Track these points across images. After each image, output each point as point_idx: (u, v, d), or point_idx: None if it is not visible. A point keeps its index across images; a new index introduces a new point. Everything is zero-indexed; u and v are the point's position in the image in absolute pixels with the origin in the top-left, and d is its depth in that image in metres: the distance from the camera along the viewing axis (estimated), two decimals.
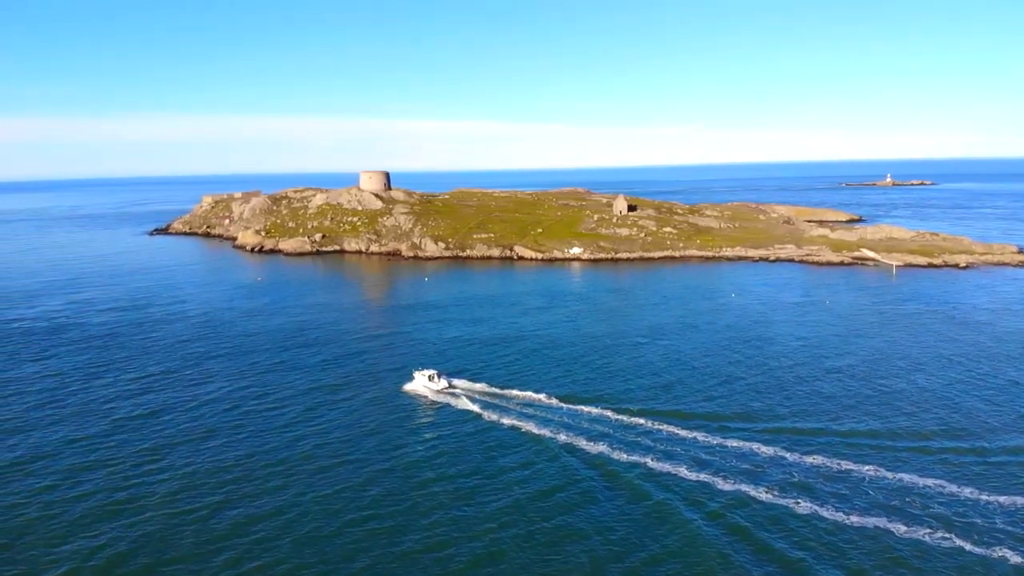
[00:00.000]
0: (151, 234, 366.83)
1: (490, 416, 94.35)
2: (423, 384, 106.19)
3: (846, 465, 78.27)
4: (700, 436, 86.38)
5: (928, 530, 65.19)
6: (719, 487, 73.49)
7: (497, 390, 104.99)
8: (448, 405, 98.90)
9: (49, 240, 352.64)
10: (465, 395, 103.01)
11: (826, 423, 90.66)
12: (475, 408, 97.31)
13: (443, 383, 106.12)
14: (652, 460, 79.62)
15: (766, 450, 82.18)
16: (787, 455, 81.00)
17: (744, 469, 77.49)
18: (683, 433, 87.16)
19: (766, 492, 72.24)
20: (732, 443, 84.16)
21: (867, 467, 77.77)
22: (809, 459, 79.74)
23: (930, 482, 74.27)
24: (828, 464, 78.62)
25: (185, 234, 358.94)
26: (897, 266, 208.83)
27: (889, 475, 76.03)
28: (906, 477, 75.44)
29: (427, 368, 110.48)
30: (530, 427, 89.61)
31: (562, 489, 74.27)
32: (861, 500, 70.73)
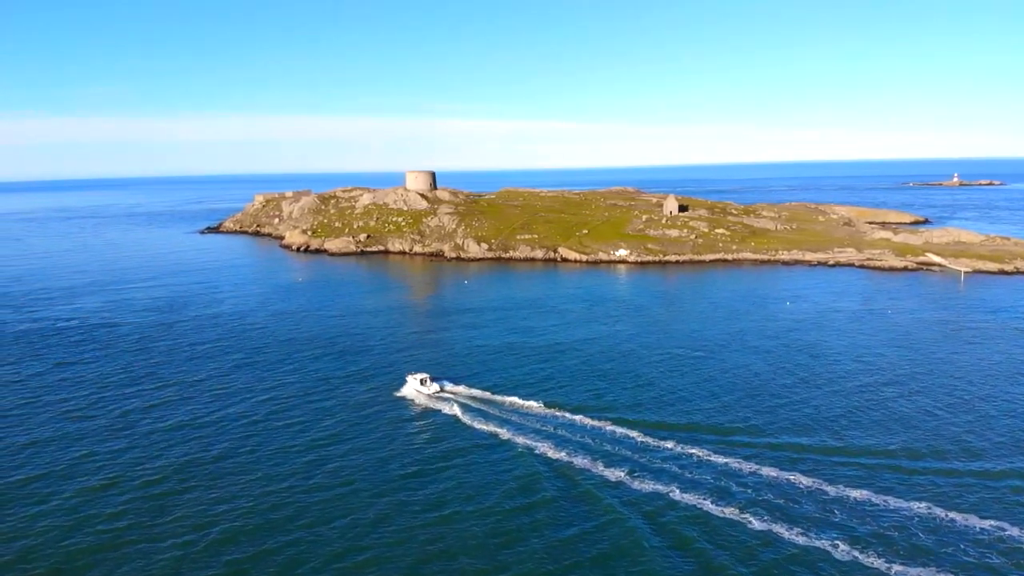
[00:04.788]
0: (203, 232, 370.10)
1: (506, 435, 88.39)
2: (415, 388, 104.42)
3: (895, 502, 70.54)
4: (749, 466, 78.49)
5: None
6: (754, 527, 65.88)
7: (494, 396, 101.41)
8: (472, 427, 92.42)
9: (104, 238, 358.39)
10: (455, 401, 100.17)
11: (885, 447, 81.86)
12: (489, 426, 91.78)
13: (435, 387, 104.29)
14: (692, 496, 72.15)
15: (812, 484, 74.09)
16: (829, 488, 73.29)
17: (808, 511, 69.61)
18: (719, 461, 79.40)
19: (801, 535, 64.46)
20: (790, 476, 76.14)
21: (920, 504, 70.26)
22: (855, 493, 71.67)
23: (988, 524, 66.29)
24: (875, 500, 70.95)
25: (236, 233, 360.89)
26: (965, 272, 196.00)
27: (942, 512, 68.38)
28: (960, 517, 67.49)
29: (420, 372, 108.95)
30: (560, 453, 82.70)
31: (597, 531, 66.95)
32: (910, 543, 62.53)
